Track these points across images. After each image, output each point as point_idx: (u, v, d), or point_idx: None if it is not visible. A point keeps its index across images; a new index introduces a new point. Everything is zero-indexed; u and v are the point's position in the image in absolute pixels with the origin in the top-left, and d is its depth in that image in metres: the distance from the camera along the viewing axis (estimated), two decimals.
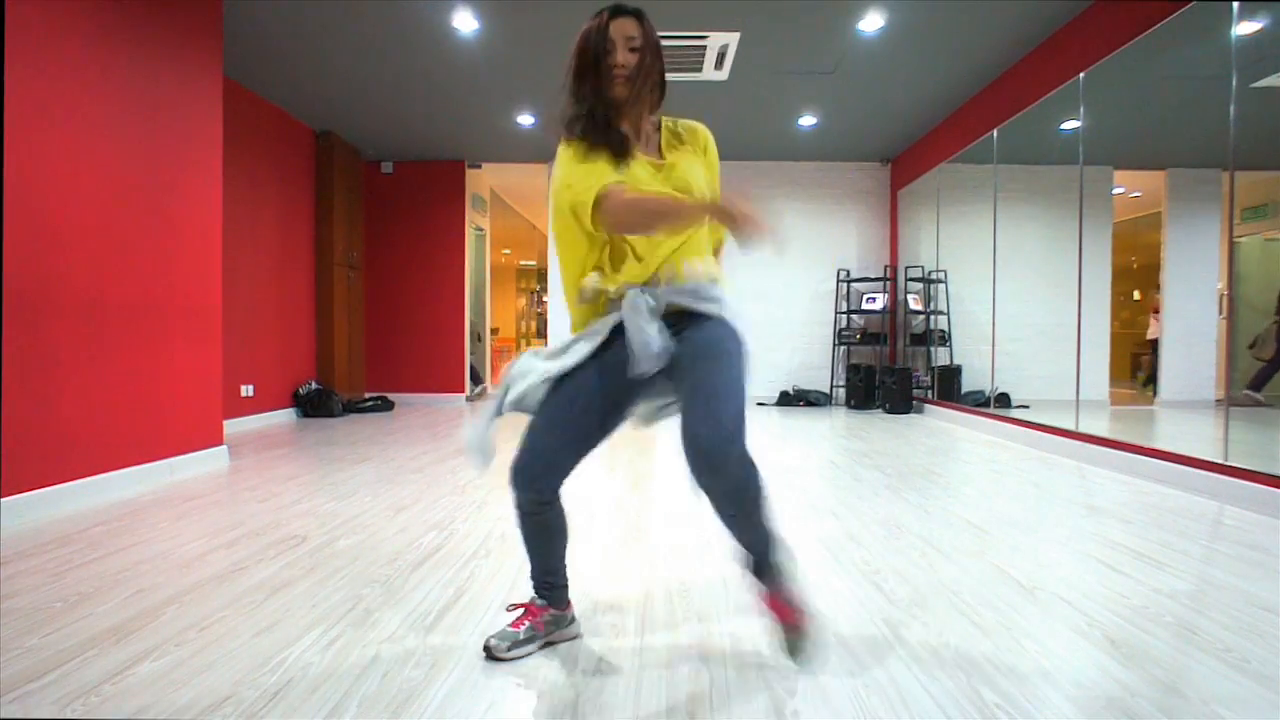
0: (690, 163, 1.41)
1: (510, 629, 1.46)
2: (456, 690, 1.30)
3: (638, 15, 1.39)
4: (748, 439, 1.23)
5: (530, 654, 1.45)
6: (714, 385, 1.24)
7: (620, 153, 1.36)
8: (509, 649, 1.43)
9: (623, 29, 1.36)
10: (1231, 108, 2.85)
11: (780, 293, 7.08)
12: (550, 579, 1.50)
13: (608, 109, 1.37)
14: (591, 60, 1.36)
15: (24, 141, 2.47)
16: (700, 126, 1.50)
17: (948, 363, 5.83)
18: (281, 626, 1.57)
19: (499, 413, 1.40)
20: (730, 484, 1.21)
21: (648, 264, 1.35)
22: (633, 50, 1.36)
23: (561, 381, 1.37)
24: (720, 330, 1.34)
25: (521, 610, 1.49)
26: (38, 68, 2.53)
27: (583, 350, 1.36)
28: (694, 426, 1.20)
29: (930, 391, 6.14)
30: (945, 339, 5.92)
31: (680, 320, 1.35)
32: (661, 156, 1.42)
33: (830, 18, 3.99)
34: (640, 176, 1.36)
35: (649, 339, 1.27)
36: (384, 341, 7.11)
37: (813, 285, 7.12)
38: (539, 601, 1.49)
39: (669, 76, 1.46)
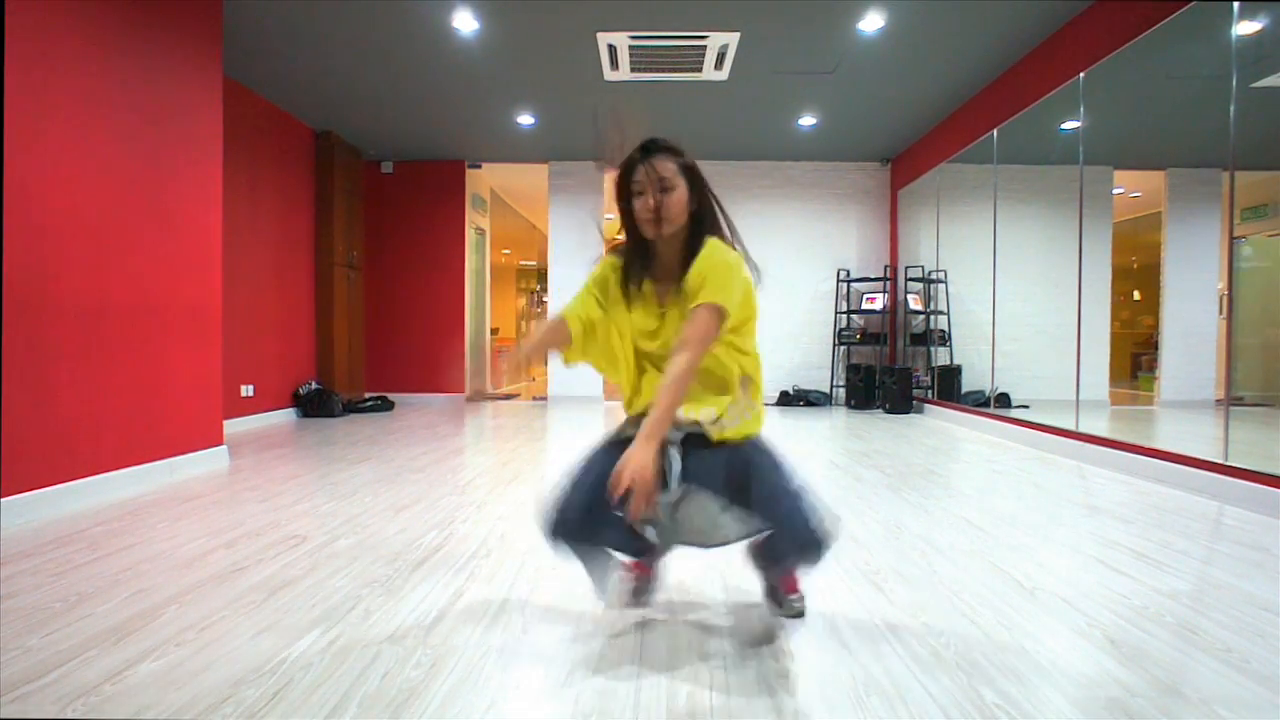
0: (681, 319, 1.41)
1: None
2: (456, 690, 1.30)
3: (671, 151, 1.41)
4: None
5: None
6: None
7: (626, 292, 1.49)
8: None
9: (653, 169, 1.38)
10: (1231, 108, 2.85)
11: (780, 293, 7.09)
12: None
13: (640, 246, 1.46)
14: (625, 200, 1.43)
15: (23, 141, 2.47)
16: (700, 263, 1.39)
17: (948, 363, 5.83)
18: (281, 626, 1.57)
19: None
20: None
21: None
22: (664, 190, 1.39)
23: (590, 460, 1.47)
24: (720, 456, 1.40)
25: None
26: (37, 67, 2.53)
27: (607, 436, 1.49)
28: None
29: (930, 391, 6.14)
30: (945, 339, 5.92)
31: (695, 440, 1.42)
32: (661, 306, 1.47)
33: (830, 18, 3.99)
34: (635, 323, 1.48)
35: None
36: (384, 341, 7.11)
37: (813, 285, 7.13)
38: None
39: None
